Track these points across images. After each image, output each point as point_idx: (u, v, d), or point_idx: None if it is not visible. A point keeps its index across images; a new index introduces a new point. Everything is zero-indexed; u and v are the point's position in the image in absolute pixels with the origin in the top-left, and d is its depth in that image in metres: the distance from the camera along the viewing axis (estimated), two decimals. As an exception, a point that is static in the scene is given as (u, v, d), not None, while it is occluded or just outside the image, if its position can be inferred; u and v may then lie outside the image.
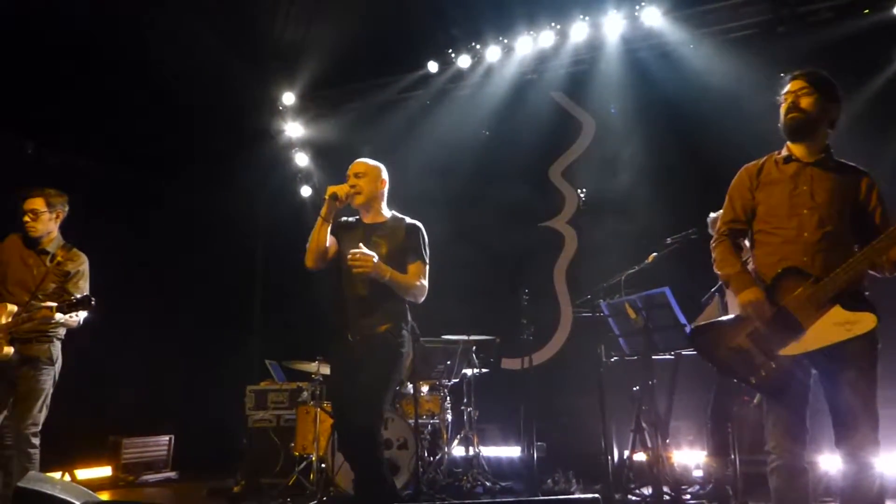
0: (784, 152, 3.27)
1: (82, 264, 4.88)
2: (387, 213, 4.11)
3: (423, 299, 3.97)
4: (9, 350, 4.48)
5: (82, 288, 4.79)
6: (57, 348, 4.75)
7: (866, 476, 2.89)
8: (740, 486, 4.91)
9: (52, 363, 4.69)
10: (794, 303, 3.02)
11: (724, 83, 6.85)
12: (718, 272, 3.33)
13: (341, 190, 3.90)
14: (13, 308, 4.55)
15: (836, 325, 2.94)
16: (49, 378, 4.67)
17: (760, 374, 3.09)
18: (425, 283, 3.95)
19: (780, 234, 3.14)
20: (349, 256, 3.71)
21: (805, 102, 3.16)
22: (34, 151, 7.60)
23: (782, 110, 3.23)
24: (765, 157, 3.34)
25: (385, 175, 4.11)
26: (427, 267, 3.98)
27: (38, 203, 4.79)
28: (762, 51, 6.73)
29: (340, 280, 3.95)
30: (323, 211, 3.89)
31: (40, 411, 4.60)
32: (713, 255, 3.37)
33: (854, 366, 2.94)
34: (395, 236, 3.96)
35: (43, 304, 4.43)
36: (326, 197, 3.87)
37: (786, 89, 3.23)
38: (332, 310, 3.99)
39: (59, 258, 4.77)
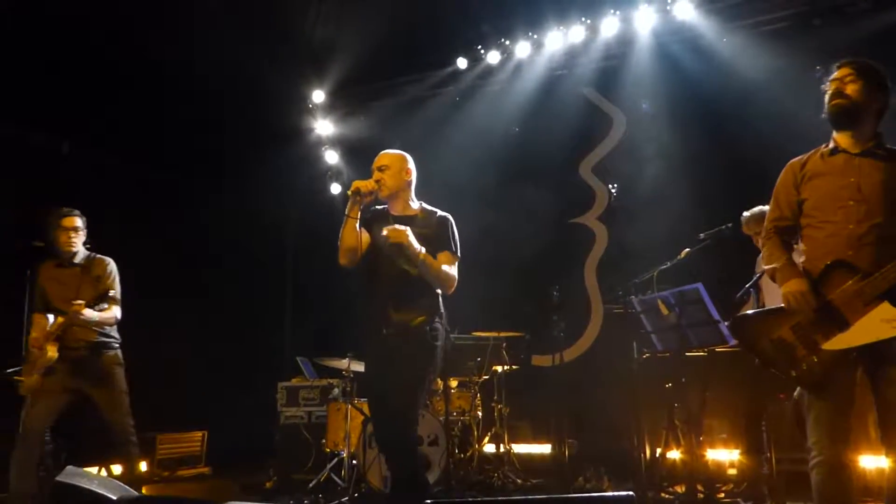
0: (830, 144, 3.19)
1: (108, 266, 5.31)
2: (415, 204, 4.06)
3: (452, 290, 3.92)
4: (53, 355, 4.89)
5: (113, 288, 5.23)
6: (119, 354, 5.25)
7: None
8: (777, 485, 4.84)
9: (122, 365, 5.22)
10: (840, 297, 2.95)
11: (758, 77, 6.74)
12: (765, 267, 3.27)
13: (364, 186, 3.84)
14: (62, 320, 4.95)
15: (883, 322, 2.86)
16: (123, 378, 5.19)
17: (802, 367, 3.03)
18: (455, 273, 3.90)
19: (826, 227, 3.07)
20: (384, 233, 3.70)
21: (850, 89, 3.08)
22: (69, 152, 7.71)
23: (826, 98, 3.15)
24: (810, 152, 3.26)
25: (411, 164, 4.05)
26: (457, 259, 3.94)
27: (77, 221, 5.23)
28: (798, 44, 6.59)
29: (372, 274, 3.93)
30: (348, 208, 3.84)
31: (128, 404, 5.17)
32: (762, 252, 3.33)
33: None
34: (426, 229, 3.91)
35: (74, 303, 4.82)
36: (349, 193, 3.83)
37: (831, 77, 3.16)
38: (365, 304, 3.98)
39: (87, 268, 5.20)
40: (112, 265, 5.32)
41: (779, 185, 3.32)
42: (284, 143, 9.09)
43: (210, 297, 8.58)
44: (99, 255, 5.32)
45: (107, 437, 5.11)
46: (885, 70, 3.15)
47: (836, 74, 3.15)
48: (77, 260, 5.21)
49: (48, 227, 5.21)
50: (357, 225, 3.86)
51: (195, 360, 8.18)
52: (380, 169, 3.97)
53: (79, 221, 5.23)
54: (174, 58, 7.07)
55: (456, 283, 3.92)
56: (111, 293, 5.12)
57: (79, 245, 5.21)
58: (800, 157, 3.28)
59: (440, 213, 4.04)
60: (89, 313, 4.91)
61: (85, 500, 3.50)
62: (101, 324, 5.08)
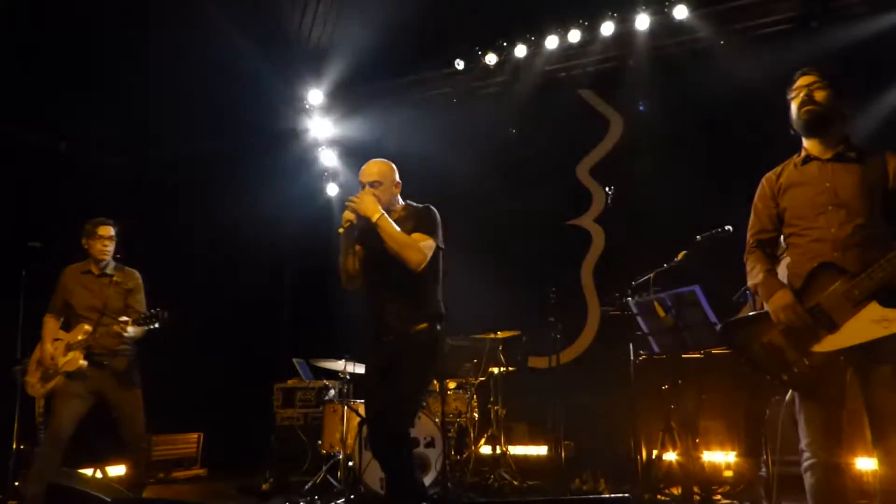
0: (802, 153, 3.23)
1: (137, 279, 5.40)
2: (400, 204, 4.04)
3: (417, 266, 3.69)
4: (83, 363, 4.95)
5: (141, 301, 5.32)
6: (137, 358, 5.30)
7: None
8: (775, 487, 4.84)
9: (139, 368, 5.28)
10: (828, 300, 2.96)
11: (756, 80, 6.73)
12: (749, 284, 3.30)
13: (355, 217, 3.81)
14: (88, 328, 5.00)
15: (872, 322, 2.86)
16: (140, 381, 5.25)
17: (793, 370, 3.04)
18: (426, 251, 3.73)
19: (811, 233, 3.09)
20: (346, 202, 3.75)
21: (819, 95, 3.12)
22: (66, 151, 7.70)
23: (795, 105, 3.19)
24: (783, 164, 3.31)
25: (397, 174, 4.04)
26: (433, 243, 3.80)
27: (112, 230, 5.29)
28: (795, 47, 6.63)
29: (371, 281, 3.92)
30: (343, 244, 3.87)
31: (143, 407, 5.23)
32: (746, 267, 3.34)
33: (892, 363, 2.87)
34: (410, 223, 3.86)
35: (119, 320, 4.91)
36: (341, 231, 3.82)
37: (796, 85, 3.20)
38: (364, 310, 3.96)
39: (116, 278, 5.24)
40: (140, 279, 5.41)
41: (756, 199, 3.37)
42: (281, 143, 9.08)
43: (206, 298, 8.55)
44: (128, 268, 5.40)
45: (118, 438, 5.15)
46: (845, 79, 3.19)
47: (800, 82, 3.19)
48: (108, 270, 5.27)
49: (82, 234, 5.27)
50: (353, 249, 3.92)
51: (191, 361, 8.16)
52: (372, 185, 3.92)
53: (113, 231, 5.30)
54: (172, 58, 7.07)
55: (424, 261, 3.72)
56: (140, 310, 5.17)
57: (111, 253, 5.29)
58: (774, 170, 3.33)
59: (423, 205, 4.01)
60: (132, 330, 4.99)
61: (79, 502, 3.50)
62: (135, 338, 5.14)
